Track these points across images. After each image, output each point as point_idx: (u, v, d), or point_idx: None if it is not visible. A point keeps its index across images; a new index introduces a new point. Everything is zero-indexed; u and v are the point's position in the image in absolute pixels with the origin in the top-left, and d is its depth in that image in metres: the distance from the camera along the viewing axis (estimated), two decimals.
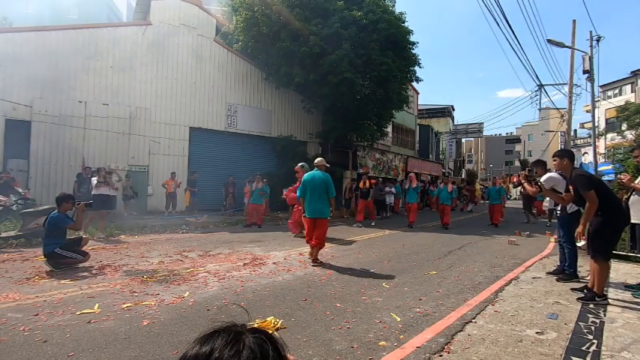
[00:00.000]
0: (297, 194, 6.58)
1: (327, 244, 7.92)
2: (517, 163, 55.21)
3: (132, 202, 12.18)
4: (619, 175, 8.55)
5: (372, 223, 12.41)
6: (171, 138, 14.03)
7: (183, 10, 14.56)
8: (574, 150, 33.28)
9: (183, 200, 13.55)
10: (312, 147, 17.63)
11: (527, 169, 5.36)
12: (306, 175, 6.27)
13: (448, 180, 11.88)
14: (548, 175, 5.29)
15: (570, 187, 4.54)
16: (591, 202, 3.96)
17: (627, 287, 4.65)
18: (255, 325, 0.80)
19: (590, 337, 3.16)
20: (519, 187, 7.47)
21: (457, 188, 18.99)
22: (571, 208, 5.07)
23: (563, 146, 30.29)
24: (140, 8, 16.25)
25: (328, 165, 6.53)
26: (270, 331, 0.77)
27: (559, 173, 5.01)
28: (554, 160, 4.58)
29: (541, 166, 5.65)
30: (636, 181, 4.84)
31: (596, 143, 14.87)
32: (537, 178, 5.17)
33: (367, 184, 12.49)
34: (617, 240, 4.38)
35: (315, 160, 6.42)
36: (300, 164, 7.97)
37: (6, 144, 11.22)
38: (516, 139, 63.95)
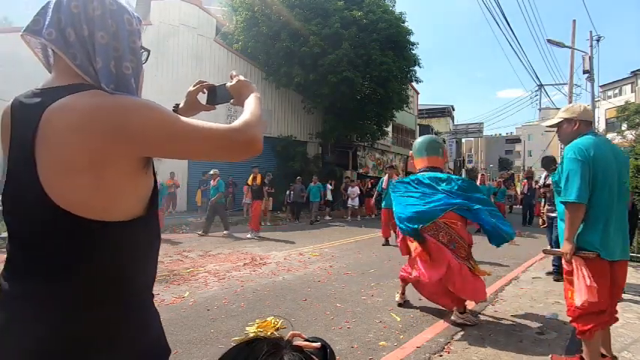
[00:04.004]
0: (572, 197, 2.25)
1: (326, 244, 7.97)
2: (517, 163, 55.21)
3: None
4: None
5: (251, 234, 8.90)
6: None
7: (183, 10, 14.54)
8: None
9: (196, 199, 13.53)
10: (312, 147, 17.61)
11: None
12: (588, 144, 2.33)
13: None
14: None
15: None
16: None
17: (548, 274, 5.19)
18: (256, 326, 0.79)
19: None
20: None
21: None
22: None
23: (563, 146, 30.25)
24: (140, 8, 16.23)
25: None
26: (271, 332, 0.75)
27: None
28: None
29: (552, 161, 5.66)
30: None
31: None
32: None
33: (258, 179, 9.67)
34: (631, 240, 4.42)
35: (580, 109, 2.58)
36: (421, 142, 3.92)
37: None
38: (516, 139, 63.90)
